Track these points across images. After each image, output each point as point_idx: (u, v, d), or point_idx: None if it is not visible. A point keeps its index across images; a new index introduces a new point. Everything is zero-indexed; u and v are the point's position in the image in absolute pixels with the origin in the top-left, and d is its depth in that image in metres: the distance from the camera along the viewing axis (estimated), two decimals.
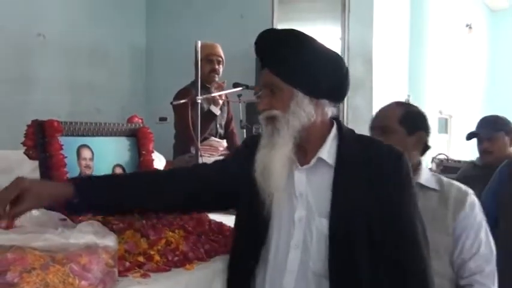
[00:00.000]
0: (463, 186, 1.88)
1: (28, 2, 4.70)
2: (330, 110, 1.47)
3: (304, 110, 1.41)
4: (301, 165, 1.45)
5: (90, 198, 1.37)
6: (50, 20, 4.92)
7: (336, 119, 1.50)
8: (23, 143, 1.60)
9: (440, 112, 7.24)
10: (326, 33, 5.28)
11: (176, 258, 1.41)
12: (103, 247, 1.19)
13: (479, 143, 3.07)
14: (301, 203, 1.43)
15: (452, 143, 7.49)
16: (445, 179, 1.91)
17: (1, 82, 4.49)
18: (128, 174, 1.75)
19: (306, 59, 1.42)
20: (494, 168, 2.66)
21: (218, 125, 3.67)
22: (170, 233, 1.51)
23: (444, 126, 7.71)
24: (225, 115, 3.81)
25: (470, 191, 1.86)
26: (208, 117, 3.46)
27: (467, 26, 8.19)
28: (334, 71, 1.44)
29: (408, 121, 1.85)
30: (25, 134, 1.59)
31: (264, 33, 1.47)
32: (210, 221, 1.71)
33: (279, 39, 1.46)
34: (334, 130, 1.47)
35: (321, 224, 1.39)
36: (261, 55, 1.48)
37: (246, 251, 1.48)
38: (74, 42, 5.12)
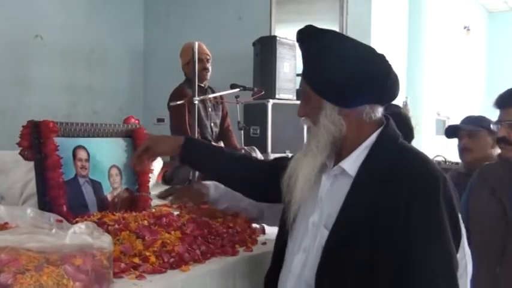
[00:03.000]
0: None
1: (26, 4, 4.70)
2: (373, 114, 1.35)
3: (334, 123, 1.33)
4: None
5: (190, 162, 1.71)
6: (48, 22, 4.92)
7: (387, 121, 1.39)
8: (18, 144, 1.59)
9: (438, 114, 7.25)
10: None
11: (172, 259, 1.40)
12: (98, 248, 1.19)
13: (459, 140, 2.86)
14: (318, 208, 1.38)
15: (450, 144, 7.48)
16: None
17: None
18: (231, 155, 1.76)
19: (335, 68, 1.32)
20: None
21: (213, 124, 3.68)
22: (166, 234, 1.50)
23: (442, 127, 7.70)
24: (220, 113, 3.82)
25: None
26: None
27: (465, 28, 8.19)
28: (371, 75, 1.32)
29: None
30: (20, 134, 1.58)
31: (301, 31, 1.40)
32: (210, 224, 1.71)
33: (310, 43, 1.38)
34: (373, 137, 1.36)
35: (323, 234, 1.33)
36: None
37: (275, 250, 1.52)
38: (72, 43, 5.12)
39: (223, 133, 3.85)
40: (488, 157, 2.64)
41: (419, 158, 1.34)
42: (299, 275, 1.37)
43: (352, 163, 1.35)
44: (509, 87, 2.18)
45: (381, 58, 1.36)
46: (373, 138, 1.36)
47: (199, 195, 1.85)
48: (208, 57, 3.74)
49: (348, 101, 1.33)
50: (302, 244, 1.40)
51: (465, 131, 2.82)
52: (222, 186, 1.83)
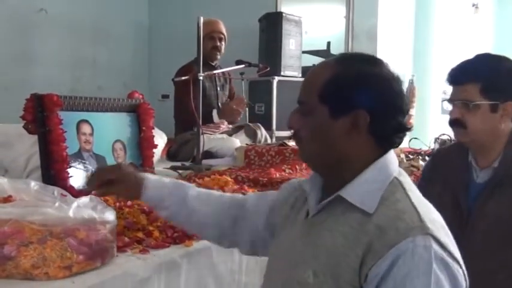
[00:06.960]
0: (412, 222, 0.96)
1: None
2: None
3: None
4: None
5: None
6: None
7: None
8: (22, 117, 1.58)
9: (444, 92, 7.16)
10: (330, 12, 5.22)
11: (176, 234, 1.40)
12: (101, 222, 1.19)
13: None
14: None
15: None
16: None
17: (2, 57, 4.47)
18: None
19: None
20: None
21: (220, 104, 3.64)
22: None
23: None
24: (227, 93, 3.77)
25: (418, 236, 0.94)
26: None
27: (473, 5, 8.09)
28: None
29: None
30: (24, 108, 1.57)
31: None
32: None
33: None
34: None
35: None
36: None
37: None
38: (77, 18, 5.08)
39: None
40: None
41: None
42: None
43: None
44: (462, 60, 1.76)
45: None
46: None
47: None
48: (221, 36, 3.62)
49: None
50: None
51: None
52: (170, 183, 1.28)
